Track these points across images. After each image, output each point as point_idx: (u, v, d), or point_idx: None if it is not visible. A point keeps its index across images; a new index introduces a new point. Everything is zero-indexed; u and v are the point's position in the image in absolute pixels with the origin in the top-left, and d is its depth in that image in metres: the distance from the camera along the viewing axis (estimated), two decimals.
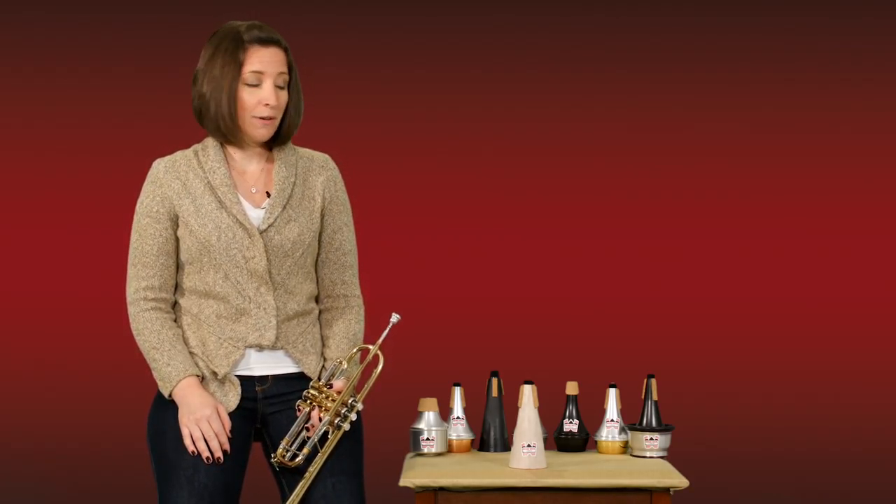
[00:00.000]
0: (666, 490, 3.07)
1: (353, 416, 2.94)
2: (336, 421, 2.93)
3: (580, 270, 4.98)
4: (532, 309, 4.94)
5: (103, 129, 4.96)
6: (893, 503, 4.91)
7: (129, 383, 4.66)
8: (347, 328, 3.07)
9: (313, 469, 2.92)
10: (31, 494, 4.86)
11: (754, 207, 5.00)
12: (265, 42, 2.92)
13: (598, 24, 5.01)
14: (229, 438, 2.92)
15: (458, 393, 3.38)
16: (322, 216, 3.04)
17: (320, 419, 2.93)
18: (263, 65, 2.92)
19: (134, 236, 2.98)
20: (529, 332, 4.92)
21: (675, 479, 3.07)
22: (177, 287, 3.01)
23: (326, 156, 3.11)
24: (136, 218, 2.99)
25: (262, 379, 2.98)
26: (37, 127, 4.97)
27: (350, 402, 2.93)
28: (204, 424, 2.89)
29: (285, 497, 2.99)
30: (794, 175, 5.01)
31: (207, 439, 2.89)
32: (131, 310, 2.98)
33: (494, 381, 3.41)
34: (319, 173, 3.06)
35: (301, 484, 2.92)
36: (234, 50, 2.91)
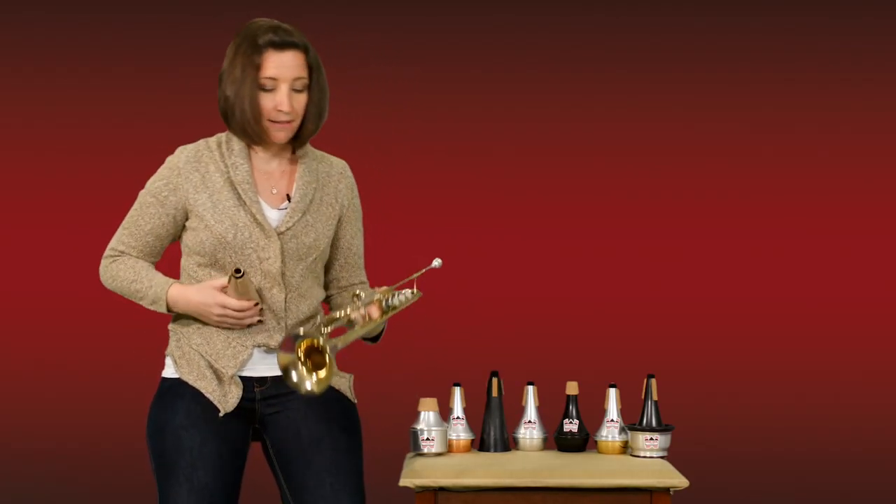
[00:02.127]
0: (666, 490, 3.07)
1: (409, 295, 2.98)
2: (387, 298, 2.95)
3: (580, 270, 4.97)
4: (532, 309, 4.94)
5: (103, 129, 4.96)
6: (893, 503, 4.91)
7: (129, 383, 4.66)
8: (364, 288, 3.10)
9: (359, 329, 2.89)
10: (31, 494, 4.86)
11: (754, 207, 5.00)
12: (280, 46, 2.90)
13: (598, 24, 5.01)
14: (229, 438, 2.92)
15: (458, 393, 3.38)
16: (339, 223, 3.06)
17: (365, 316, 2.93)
18: (278, 70, 2.90)
19: (134, 207, 2.99)
20: (529, 332, 4.92)
21: (675, 479, 3.07)
22: (186, 280, 3.00)
23: (344, 162, 3.11)
24: (143, 192, 2.99)
25: (262, 380, 2.98)
26: (37, 127, 4.97)
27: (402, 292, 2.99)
28: (222, 315, 2.90)
29: (285, 497, 2.99)
30: (794, 175, 5.01)
31: (238, 321, 2.90)
32: (103, 263, 3.00)
33: (494, 381, 3.41)
34: (339, 180, 3.07)
35: (352, 331, 2.87)
36: (251, 54, 2.89)
